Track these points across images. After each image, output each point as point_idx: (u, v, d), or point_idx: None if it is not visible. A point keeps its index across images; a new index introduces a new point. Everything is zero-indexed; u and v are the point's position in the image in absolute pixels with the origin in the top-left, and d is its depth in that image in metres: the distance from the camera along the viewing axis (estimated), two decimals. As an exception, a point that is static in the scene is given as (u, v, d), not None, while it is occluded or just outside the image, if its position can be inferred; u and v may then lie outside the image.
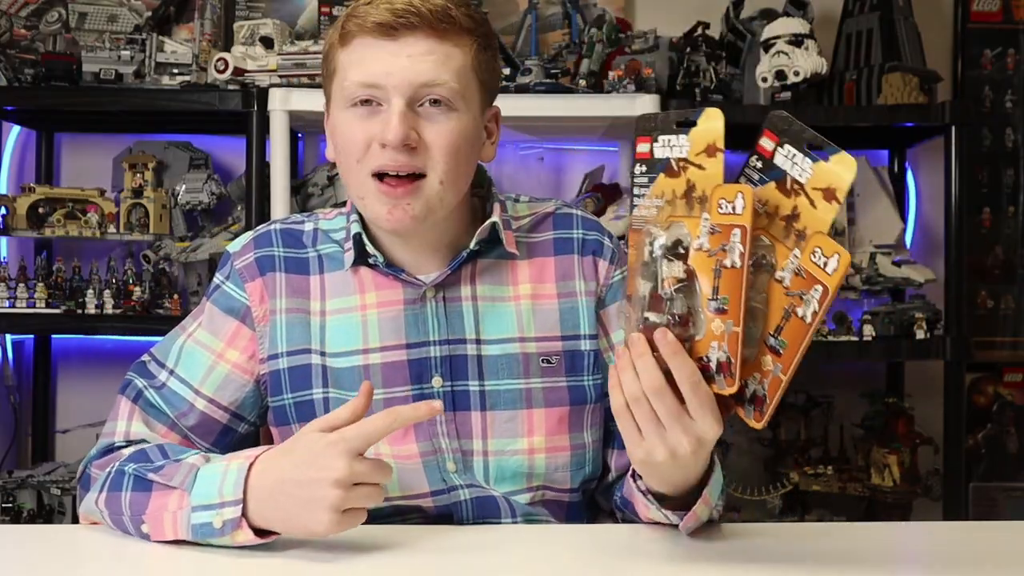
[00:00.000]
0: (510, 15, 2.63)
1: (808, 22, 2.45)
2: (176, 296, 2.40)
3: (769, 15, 2.53)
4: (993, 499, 2.68)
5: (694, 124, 0.98)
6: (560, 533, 1.20)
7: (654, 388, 0.96)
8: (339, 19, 1.22)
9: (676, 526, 1.12)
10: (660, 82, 2.39)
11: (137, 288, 2.39)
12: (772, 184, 0.96)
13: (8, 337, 2.66)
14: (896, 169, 2.71)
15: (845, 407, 2.61)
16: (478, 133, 1.23)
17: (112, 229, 2.44)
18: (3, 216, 2.43)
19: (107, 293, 2.37)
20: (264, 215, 2.32)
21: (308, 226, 1.32)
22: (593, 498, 1.34)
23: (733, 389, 0.94)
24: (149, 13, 2.60)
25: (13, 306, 2.35)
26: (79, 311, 2.37)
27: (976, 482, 2.69)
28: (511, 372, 1.23)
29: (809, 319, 0.92)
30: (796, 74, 2.36)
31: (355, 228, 1.25)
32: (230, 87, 2.35)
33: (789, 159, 0.96)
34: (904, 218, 2.66)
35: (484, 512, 1.23)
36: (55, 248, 2.58)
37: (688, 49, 2.43)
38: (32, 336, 2.67)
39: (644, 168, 1.01)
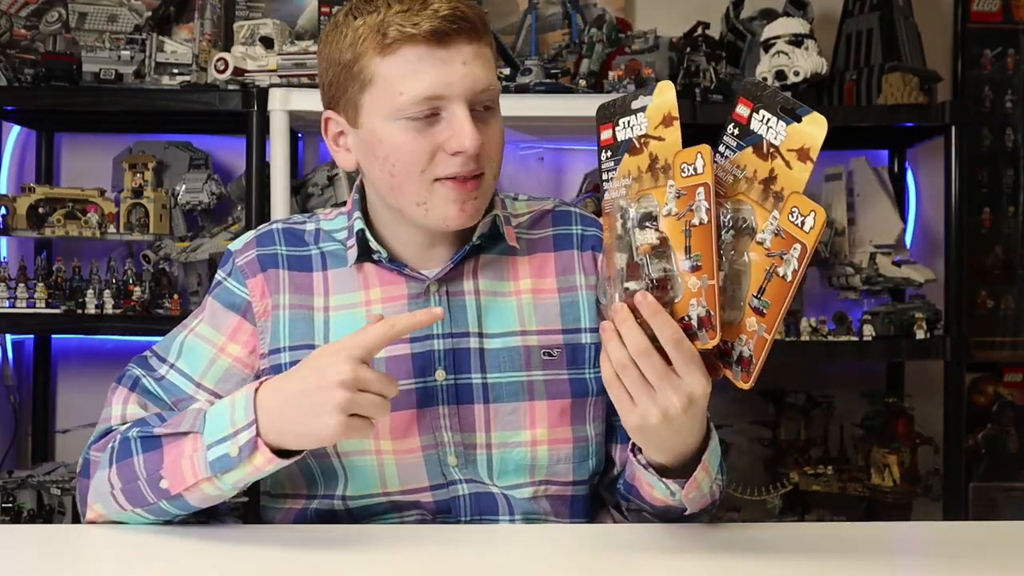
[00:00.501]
0: (510, 15, 2.63)
1: (808, 22, 2.45)
2: (176, 296, 2.40)
3: (769, 15, 2.53)
4: (993, 499, 2.68)
5: (646, 100, 1.04)
6: (558, 532, 1.20)
7: (639, 350, 1.00)
8: (364, 25, 1.17)
9: (681, 515, 1.15)
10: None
11: (137, 288, 2.39)
12: (749, 149, 1.00)
13: (8, 337, 2.66)
14: (896, 169, 2.71)
15: (845, 407, 2.61)
16: None
17: (112, 229, 2.44)
18: (3, 216, 2.43)
19: (107, 293, 2.37)
20: (264, 215, 2.32)
21: (310, 226, 1.33)
22: (597, 494, 1.34)
23: (715, 341, 0.98)
24: (149, 13, 2.60)
25: (13, 306, 2.35)
26: (79, 311, 2.36)
27: (976, 482, 2.69)
28: (513, 365, 1.24)
29: (790, 277, 0.96)
30: (796, 74, 2.36)
31: (358, 224, 1.26)
32: (230, 87, 2.35)
33: (764, 123, 0.99)
34: (904, 218, 2.66)
35: (482, 508, 1.24)
36: (55, 248, 2.58)
37: (688, 49, 2.43)
38: (32, 336, 2.67)
39: (609, 153, 1.07)
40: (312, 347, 1.24)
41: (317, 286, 1.28)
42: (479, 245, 1.26)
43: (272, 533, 1.23)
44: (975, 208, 2.75)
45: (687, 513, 1.17)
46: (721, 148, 1.01)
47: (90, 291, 2.37)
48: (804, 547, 1.10)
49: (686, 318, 0.98)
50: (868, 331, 2.35)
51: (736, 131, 1.01)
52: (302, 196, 2.42)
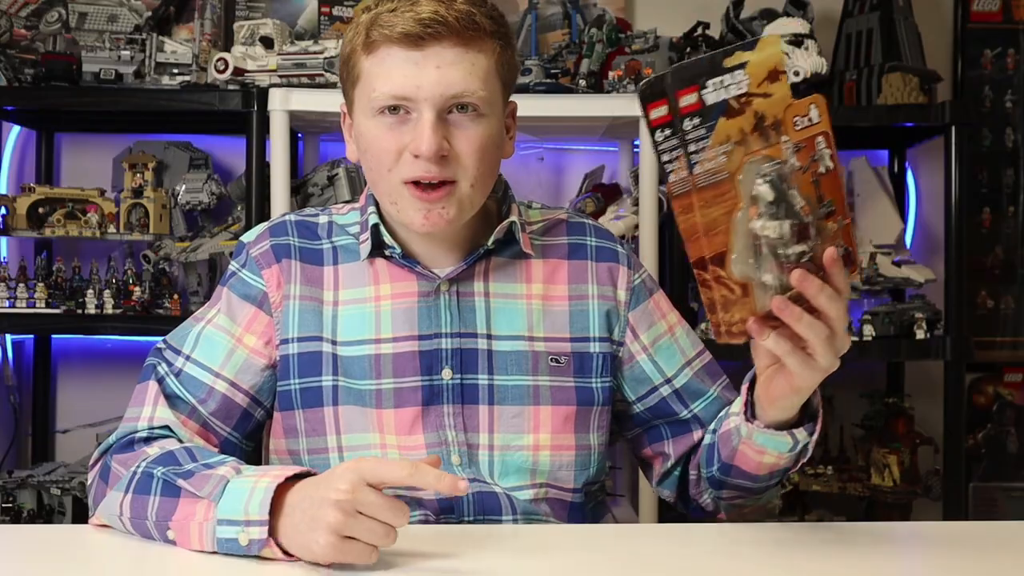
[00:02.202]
0: (510, 15, 2.63)
1: (808, 22, 2.45)
2: (176, 296, 2.40)
3: (769, 15, 2.53)
4: (993, 499, 2.68)
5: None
6: (560, 533, 1.20)
7: (832, 298, 1.00)
8: (360, 22, 1.20)
9: (782, 476, 1.21)
10: (660, 82, 2.39)
11: (137, 288, 2.39)
12: (722, 119, 0.98)
13: (8, 337, 2.66)
14: (896, 169, 2.71)
15: (845, 407, 2.61)
16: (501, 134, 1.26)
17: (112, 229, 2.44)
18: (3, 216, 2.44)
19: (107, 293, 2.37)
20: (264, 215, 2.32)
21: (323, 219, 1.33)
22: (595, 499, 1.34)
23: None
24: (149, 13, 2.60)
25: (13, 306, 2.35)
26: (79, 311, 2.36)
27: (976, 482, 2.69)
28: (520, 368, 1.25)
29: (833, 166, 0.98)
30: (796, 74, 2.35)
31: (373, 219, 1.26)
32: (230, 87, 2.35)
33: (718, 89, 0.98)
34: (904, 218, 2.66)
35: (485, 508, 1.24)
36: (55, 248, 2.58)
37: (688, 49, 2.43)
38: (32, 336, 2.67)
39: (697, 120, 0.98)
40: (320, 339, 1.25)
41: (327, 280, 1.28)
42: (492, 248, 1.27)
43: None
44: (975, 208, 2.75)
45: (794, 469, 1.22)
46: (692, 148, 0.98)
47: (90, 291, 2.37)
48: (804, 547, 1.10)
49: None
50: (868, 331, 2.35)
51: (696, 120, 0.98)
52: (302, 196, 2.42)
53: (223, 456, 1.15)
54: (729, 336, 1.01)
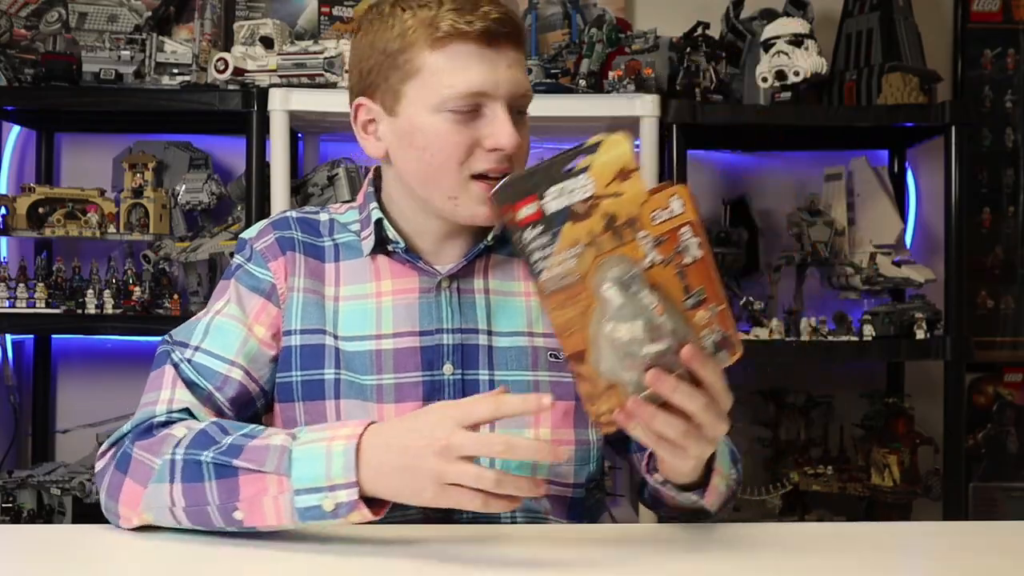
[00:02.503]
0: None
1: (808, 22, 2.45)
2: (176, 296, 2.40)
3: (769, 15, 2.53)
4: (993, 499, 2.68)
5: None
6: (558, 532, 1.20)
7: (704, 405, 0.99)
8: (418, 18, 1.20)
9: (710, 514, 1.18)
10: (660, 82, 2.40)
11: (137, 288, 2.39)
12: (567, 224, 0.97)
13: (8, 337, 2.66)
14: (896, 169, 2.71)
15: (845, 407, 2.61)
16: None
17: (112, 229, 2.44)
18: (3, 216, 2.44)
19: (107, 293, 2.37)
20: (264, 215, 2.31)
21: (323, 216, 1.34)
22: (594, 497, 1.35)
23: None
24: (149, 13, 2.60)
25: (13, 306, 2.35)
26: (79, 311, 2.36)
27: (976, 482, 2.69)
28: (520, 364, 1.26)
29: (700, 254, 0.96)
30: (796, 74, 2.36)
31: (376, 214, 1.27)
32: (230, 87, 2.35)
33: (560, 196, 0.97)
34: (904, 218, 2.66)
35: None
36: (55, 248, 2.58)
37: (688, 49, 2.43)
38: (32, 336, 2.67)
39: (539, 229, 0.97)
40: (323, 332, 1.25)
41: (329, 276, 1.29)
42: (491, 245, 1.29)
43: (271, 533, 1.23)
44: (975, 208, 2.75)
45: (715, 511, 1.21)
46: (535, 258, 0.97)
47: (90, 291, 2.37)
48: (804, 547, 1.10)
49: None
50: (868, 331, 2.35)
51: (539, 229, 0.97)
52: (302, 196, 2.42)
53: (252, 425, 1.15)
54: (600, 426, 1.01)
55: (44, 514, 2.40)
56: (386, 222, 1.27)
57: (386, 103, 1.24)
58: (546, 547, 1.10)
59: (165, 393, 1.21)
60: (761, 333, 2.38)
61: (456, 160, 1.20)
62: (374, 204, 1.28)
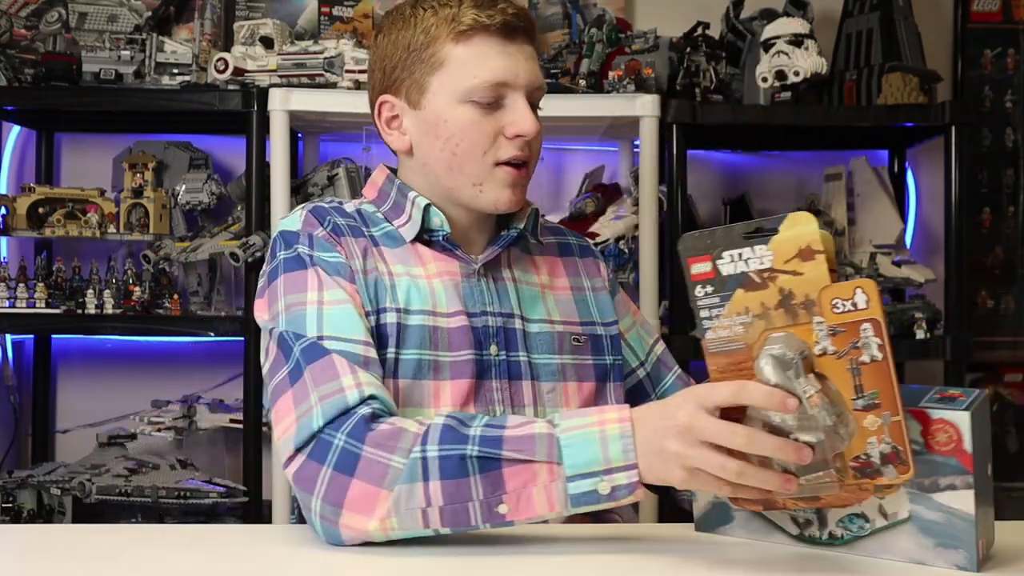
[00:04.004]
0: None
1: (808, 22, 2.45)
2: (176, 296, 2.40)
3: (769, 15, 2.53)
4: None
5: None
6: (559, 531, 1.20)
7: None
8: (441, 15, 1.26)
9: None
10: (660, 82, 2.40)
11: (137, 288, 2.39)
12: (740, 290, 0.96)
13: (8, 337, 2.66)
14: (896, 169, 2.72)
15: (845, 407, 2.61)
16: None
17: (112, 229, 2.44)
18: (3, 216, 2.44)
19: (107, 293, 2.37)
20: (264, 215, 2.32)
21: (349, 207, 1.34)
22: None
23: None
24: (149, 13, 2.60)
25: (13, 306, 2.35)
26: (79, 311, 2.37)
27: (976, 482, 2.69)
28: (549, 348, 1.32)
29: (880, 356, 0.93)
30: (796, 74, 2.36)
31: (422, 202, 1.29)
32: (230, 87, 2.35)
33: (736, 261, 0.97)
34: (904, 218, 2.66)
35: None
36: (55, 248, 2.59)
37: (688, 49, 2.43)
38: (32, 336, 2.67)
39: (710, 288, 0.98)
40: (385, 310, 1.24)
41: (377, 255, 1.29)
42: (520, 229, 1.33)
43: (273, 533, 1.23)
44: (975, 208, 2.76)
45: None
46: (703, 315, 0.98)
47: (90, 291, 2.37)
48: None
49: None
50: (868, 331, 2.35)
51: (709, 288, 0.98)
52: (302, 196, 2.42)
53: (479, 415, 1.12)
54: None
55: (44, 514, 2.40)
56: (434, 208, 1.30)
57: (411, 97, 1.29)
58: (545, 546, 1.10)
59: (347, 379, 1.14)
60: (761, 333, 2.37)
61: (481, 148, 1.26)
62: (414, 193, 1.31)
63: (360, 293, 1.24)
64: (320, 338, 1.18)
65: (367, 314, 1.23)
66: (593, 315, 1.39)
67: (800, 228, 0.95)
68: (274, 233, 1.31)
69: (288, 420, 1.13)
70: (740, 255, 0.97)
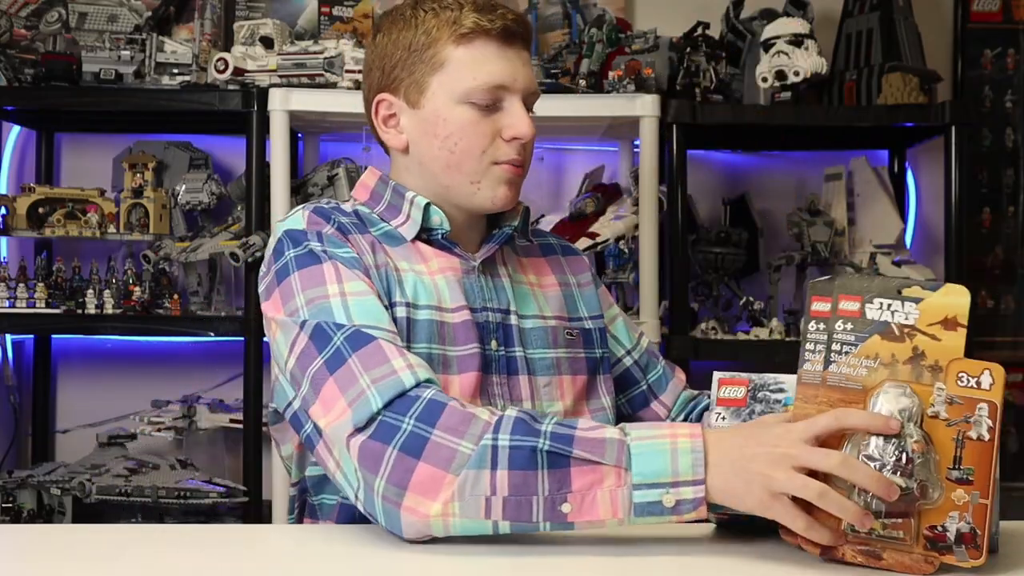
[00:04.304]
0: (510, 15, 2.63)
1: (808, 22, 2.45)
2: (176, 296, 2.40)
3: (769, 15, 2.53)
4: (993, 499, 2.68)
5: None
6: (562, 532, 1.20)
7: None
8: (442, 18, 1.27)
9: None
10: (660, 82, 2.40)
11: (137, 288, 2.39)
12: (876, 337, 1.00)
13: (8, 337, 2.66)
14: (896, 169, 2.72)
15: (845, 407, 2.61)
16: None
17: (112, 229, 2.44)
18: (3, 216, 2.44)
19: (107, 293, 2.37)
20: (264, 215, 2.32)
21: (348, 207, 1.35)
22: None
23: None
24: (149, 13, 2.60)
25: (13, 306, 2.35)
26: (79, 311, 2.37)
27: (976, 482, 2.69)
28: (544, 342, 1.34)
29: (986, 437, 0.95)
30: (796, 74, 2.36)
31: (422, 201, 1.30)
32: (230, 87, 2.35)
33: (885, 310, 1.00)
34: (904, 218, 2.66)
35: None
36: (55, 248, 2.58)
37: (688, 49, 2.43)
38: (32, 336, 2.67)
39: (850, 326, 1.02)
40: (395, 304, 1.24)
41: (382, 251, 1.29)
42: (515, 225, 1.36)
43: (273, 533, 1.23)
44: (975, 208, 2.76)
45: None
46: (833, 348, 1.01)
47: (90, 291, 2.37)
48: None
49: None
50: (868, 331, 2.35)
51: (849, 325, 1.01)
52: (302, 196, 2.42)
53: (556, 417, 1.10)
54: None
55: (44, 514, 2.40)
56: (434, 207, 1.31)
57: (409, 96, 1.30)
58: (544, 546, 1.10)
59: (398, 362, 1.12)
60: (761, 333, 2.38)
61: (479, 148, 1.29)
62: (411, 193, 1.32)
63: (376, 286, 1.24)
64: (354, 327, 1.16)
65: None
66: (581, 310, 1.42)
67: (953, 299, 0.99)
68: (275, 233, 1.29)
69: (339, 406, 1.10)
70: (890, 305, 1.01)
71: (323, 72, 2.33)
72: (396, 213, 1.32)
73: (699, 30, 2.46)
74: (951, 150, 2.37)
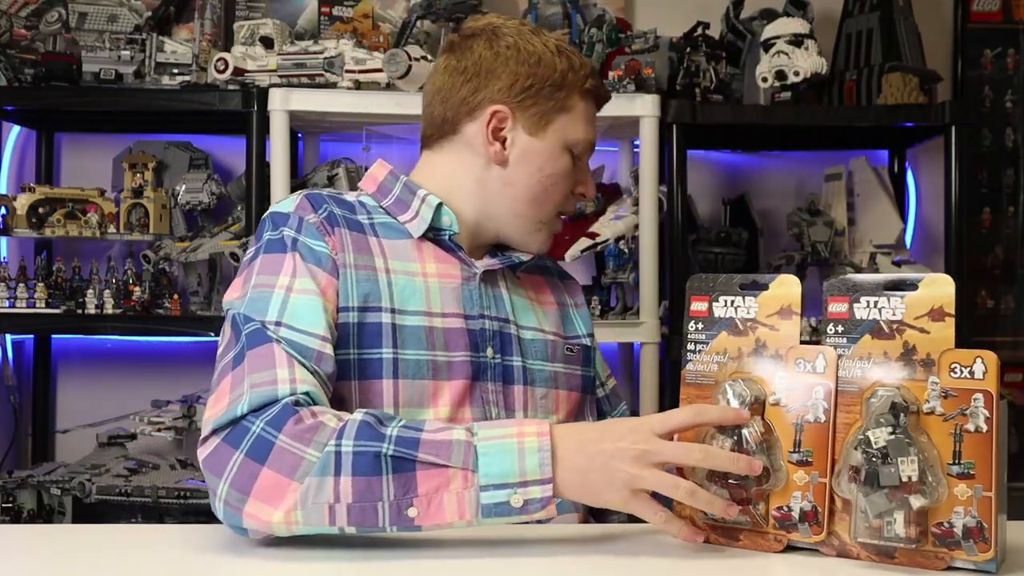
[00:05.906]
0: (510, 15, 2.63)
1: (808, 22, 2.45)
2: (176, 296, 2.40)
3: (769, 15, 2.53)
4: (993, 499, 2.68)
5: (758, 287, 1.06)
6: (560, 531, 1.20)
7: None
8: (575, 66, 1.33)
9: None
10: (660, 82, 2.40)
11: (137, 288, 2.39)
12: (866, 337, 1.00)
13: (8, 337, 2.66)
14: (896, 169, 2.72)
15: (845, 407, 2.61)
16: None
17: (112, 229, 2.44)
18: (3, 216, 2.44)
19: (107, 293, 2.37)
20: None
21: (350, 197, 1.34)
22: None
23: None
24: (149, 13, 2.60)
25: (13, 306, 2.35)
26: (79, 311, 2.37)
27: (976, 482, 2.69)
28: (543, 355, 1.36)
29: (984, 428, 0.94)
30: (796, 74, 2.36)
31: (434, 200, 1.31)
32: (230, 87, 2.35)
33: (872, 308, 1.01)
34: (904, 218, 2.66)
35: None
36: (55, 248, 2.59)
37: (688, 49, 2.43)
38: (32, 336, 2.67)
39: (701, 325, 1.09)
40: (379, 309, 1.24)
41: (375, 249, 1.28)
42: (525, 261, 1.38)
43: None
44: (975, 208, 2.76)
45: None
46: (836, 350, 1.02)
47: (90, 291, 2.37)
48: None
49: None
50: (868, 331, 2.35)
51: (839, 328, 1.02)
52: (302, 196, 2.42)
53: (397, 416, 1.11)
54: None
55: (44, 514, 2.40)
56: (445, 208, 1.31)
57: (532, 122, 1.32)
58: (545, 546, 1.10)
59: (283, 372, 1.12)
60: (761, 333, 2.37)
61: (564, 195, 1.35)
62: (424, 191, 1.32)
63: (342, 286, 1.23)
64: (278, 323, 1.16)
65: (347, 309, 1.22)
66: (578, 329, 1.44)
67: (938, 288, 0.99)
68: (265, 215, 1.29)
69: (221, 404, 1.10)
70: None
71: (323, 72, 2.33)
72: (404, 208, 1.32)
73: (699, 30, 2.46)
74: (951, 150, 2.37)
